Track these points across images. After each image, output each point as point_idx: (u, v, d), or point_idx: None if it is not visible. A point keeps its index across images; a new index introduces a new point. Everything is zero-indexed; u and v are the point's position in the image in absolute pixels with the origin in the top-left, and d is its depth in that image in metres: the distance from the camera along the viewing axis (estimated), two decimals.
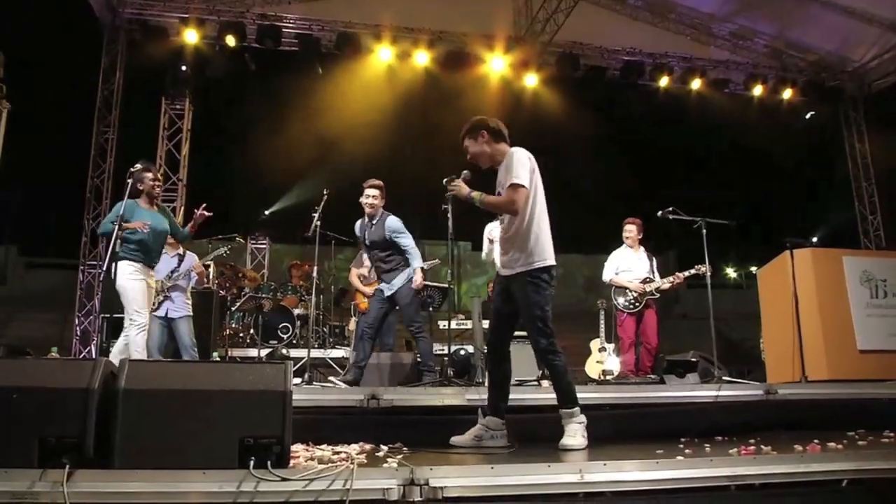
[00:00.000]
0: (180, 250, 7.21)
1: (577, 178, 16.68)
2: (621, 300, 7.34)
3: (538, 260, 4.12)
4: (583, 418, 3.99)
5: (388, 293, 6.06)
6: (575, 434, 3.90)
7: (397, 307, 6.15)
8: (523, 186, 4.07)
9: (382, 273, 6.09)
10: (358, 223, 6.27)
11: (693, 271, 7.15)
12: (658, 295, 7.32)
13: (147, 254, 5.70)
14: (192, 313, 7.10)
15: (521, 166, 4.09)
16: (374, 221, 6.08)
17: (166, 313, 6.93)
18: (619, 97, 13.94)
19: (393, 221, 6.10)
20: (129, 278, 5.52)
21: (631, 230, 7.51)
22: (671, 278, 7.29)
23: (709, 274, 6.71)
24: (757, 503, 3.10)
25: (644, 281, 7.31)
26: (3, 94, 8.84)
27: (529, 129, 15.09)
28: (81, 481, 2.57)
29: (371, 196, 6.04)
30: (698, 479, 3.02)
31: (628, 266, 7.45)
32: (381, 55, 12.76)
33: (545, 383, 6.05)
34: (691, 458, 3.22)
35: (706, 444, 3.92)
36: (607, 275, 7.52)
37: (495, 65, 13.20)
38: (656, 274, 7.43)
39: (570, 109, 13.97)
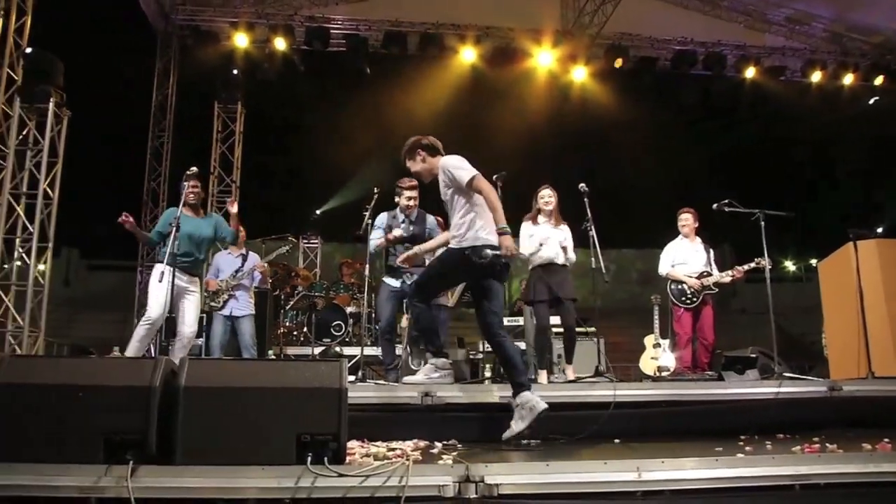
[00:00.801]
0: (243, 250, 7.39)
1: (628, 171, 16.47)
2: (678, 294, 7.10)
3: (470, 242, 4.37)
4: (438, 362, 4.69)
5: (403, 287, 6.07)
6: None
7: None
8: (475, 175, 4.38)
9: (404, 269, 6.02)
10: (385, 215, 6.27)
11: (752, 265, 6.89)
12: (717, 290, 7.06)
13: (185, 258, 5.81)
14: (254, 312, 7.26)
15: (459, 165, 4.47)
16: (413, 218, 6.19)
17: (231, 312, 7.09)
18: (670, 88, 13.68)
19: (433, 220, 6.25)
20: (153, 279, 5.67)
21: (687, 219, 7.24)
22: (730, 272, 7.02)
23: (769, 267, 6.51)
24: (821, 503, 2.99)
25: (701, 275, 7.05)
26: (63, 101, 9.13)
27: (578, 123, 14.98)
28: (145, 476, 2.63)
29: (413, 197, 6.18)
30: (760, 478, 2.93)
31: (685, 258, 7.19)
32: (428, 53, 12.79)
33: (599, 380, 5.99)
34: (752, 456, 3.14)
35: (767, 442, 3.82)
36: (663, 268, 7.28)
37: (542, 59, 13.10)
38: (713, 266, 7.16)
39: (620, 102, 13.80)
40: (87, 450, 2.70)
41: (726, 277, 7.04)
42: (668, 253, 7.33)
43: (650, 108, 14.34)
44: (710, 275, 7.05)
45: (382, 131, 13.45)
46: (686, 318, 7.05)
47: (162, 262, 5.61)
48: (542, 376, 6.23)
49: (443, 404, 4.31)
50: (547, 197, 6.38)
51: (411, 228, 6.14)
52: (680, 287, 7.09)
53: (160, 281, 5.52)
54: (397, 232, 6.11)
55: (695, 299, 7.01)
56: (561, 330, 6.65)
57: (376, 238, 6.18)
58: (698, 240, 7.29)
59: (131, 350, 5.74)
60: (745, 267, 7.00)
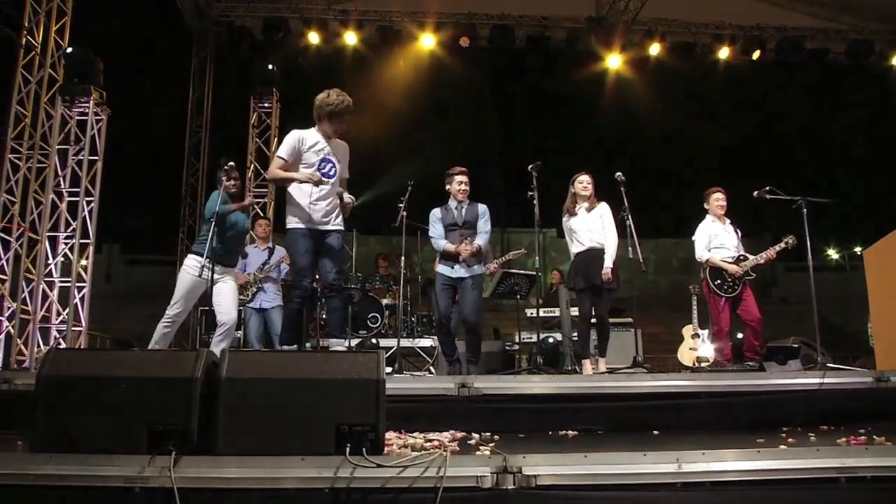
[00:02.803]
0: (270, 244, 7.50)
1: (665, 159, 16.27)
2: (718, 282, 6.69)
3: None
4: None
5: (462, 275, 5.92)
6: None
7: (460, 291, 5.98)
8: None
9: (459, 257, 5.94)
10: (438, 210, 6.17)
11: (782, 245, 6.61)
12: (755, 275, 6.70)
13: (225, 252, 5.67)
14: (283, 303, 7.36)
15: None
16: (465, 206, 6.08)
17: (260, 304, 7.22)
18: (708, 74, 13.43)
19: (482, 206, 6.12)
20: (183, 270, 5.60)
21: (723, 199, 6.85)
22: (764, 254, 6.69)
23: (792, 245, 6.26)
24: (869, 498, 2.91)
25: (738, 259, 6.71)
26: (103, 99, 9.29)
27: (614, 112, 14.84)
28: (187, 467, 2.67)
29: (465, 183, 6.07)
30: (804, 470, 2.87)
31: (721, 241, 6.78)
32: (461, 43, 12.76)
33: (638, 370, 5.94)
34: (795, 448, 3.09)
35: (811, 434, 3.75)
36: (701, 252, 6.84)
37: (577, 47, 12.98)
38: (742, 248, 6.85)
39: (656, 89, 13.64)
40: (131, 440, 2.75)
41: (761, 259, 6.71)
42: (702, 235, 6.90)
43: (687, 95, 14.15)
44: (745, 259, 6.71)
45: (416, 123, 13.49)
46: (726, 310, 6.67)
47: (200, 254, 5.46)
48: (586, 366, 6.17)
49: (479, 395, 4.31)
50: (586, 182, 6.25)
51: (464, 215, 6.04)
52: (720, 274, 6.70)
53: (199, 275, 5.46)
54: (465, 249, 5.95)
55: (735, 287, 6.65)
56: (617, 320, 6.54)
57: (438, 237, 6.11)
58: (728, 220, 6.94)
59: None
60: (777, 247, 6.67)
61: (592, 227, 6.19)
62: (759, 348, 6.60)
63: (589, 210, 6.25)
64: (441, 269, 6.07)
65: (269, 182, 5.18)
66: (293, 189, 5.16)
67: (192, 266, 5.52)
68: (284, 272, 7.55)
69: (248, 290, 7.22)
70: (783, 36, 13.03)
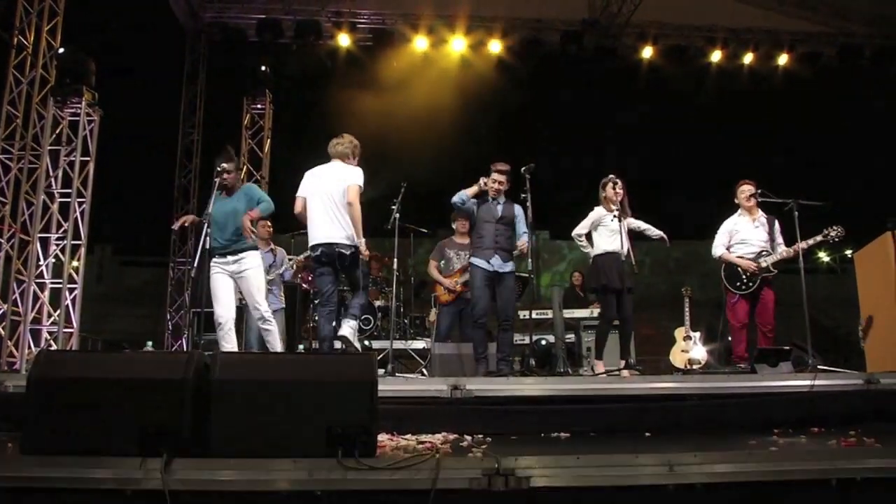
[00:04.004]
0: (271, 246, 7.50)
1: (657, 161, 16.30)
2: (732, 278, 6.40)
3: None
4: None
5: (499, 270, 5.94)
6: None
7: (499, 287, 6.01)
8: None
9: (499, 249, 5.98)
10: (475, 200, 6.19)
11: (820, 238, 6.13)
12: (776, 271, 6.33)
13: (221, 242, 5.62)
14: (284, 306, 7.39)
15: None
16: (502, 203, 6.12)
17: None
18: (700, 78, 13.45)
19: (518, 208, 6.17)
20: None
21: (748, 191, 6.44)
22: (791, 248, 6.24)
23: (840, 238, 6.04)
24: (859, 499, 2.93)
25: (759, 255, 6.36)
26: (95, 100, 9.25)
27: (606, 115, 14.87)
28: (178, 469, 2.67)
29: (497, 181, 6.07)
30: (794, 472, 2.89)
31: (743, 237, 6.44)
32: (455, 45, 12.76)
33: (625, 373, 5.96)
34: (786, 450, 3.10)
35: (802, 436, 3.76)
36: (718, 249, 6.55)
37: (570, 50, 12.98)
38: (779, 240, 6.42)
39: (648, 92, 13.65)
40: (123, 443, 2.75)
41: (786, 254, 6.29)
42: (723, 232, 6.61)
43: (678, 98, 14.16)
44: (769, 253, 6.36)
45: (409, 125, 13.46)
46: (741, 305, 6.39)
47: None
48: (599, 366, 6.22)
49: (472, 397, 4.31)
50: (619, 188, 6.29)
51: (500, 212, 6.08)
52: (734, 271, 6.41)
53: (216, 272, 5.55)
54: (481, 181, 6.10)
55: (751, 284, 6.33)
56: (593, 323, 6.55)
57: (459, 201, 6.14)
58: (760, 213, 6.51)
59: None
60: (811, 241, 6.17)
61: (621, 232, 6.20)
62: None
63: (616, 216, 6.23)
64: (477, 262, 6.04)
65: (351, 206, 6.03)
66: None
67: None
68: (288, 276, 7.58)
69: None
70: (774, 40, 13.08)
